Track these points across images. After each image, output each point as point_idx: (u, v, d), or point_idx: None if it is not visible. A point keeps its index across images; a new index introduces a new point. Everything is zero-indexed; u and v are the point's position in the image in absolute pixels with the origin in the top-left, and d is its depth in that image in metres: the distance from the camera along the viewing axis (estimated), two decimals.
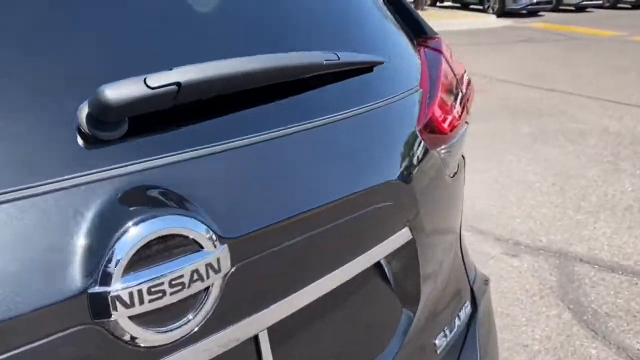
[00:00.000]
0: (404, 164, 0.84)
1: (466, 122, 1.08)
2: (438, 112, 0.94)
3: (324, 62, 0.68)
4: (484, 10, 15.06)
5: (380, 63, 0.83)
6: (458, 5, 16.50)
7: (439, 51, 1.05)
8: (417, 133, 0.89)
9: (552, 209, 3.36)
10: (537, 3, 14.91)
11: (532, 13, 15.08)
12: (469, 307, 1.07)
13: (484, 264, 2.74)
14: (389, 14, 1.02)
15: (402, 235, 0.83)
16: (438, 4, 17.17)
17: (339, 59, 0.70)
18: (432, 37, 1.10)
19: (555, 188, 3.68)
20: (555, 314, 2.36)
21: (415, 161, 0.87)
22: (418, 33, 1.08)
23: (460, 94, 1.04)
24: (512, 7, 14.60)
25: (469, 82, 1.10)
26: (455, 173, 1.02)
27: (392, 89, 0.87)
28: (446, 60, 1.04)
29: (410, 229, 0.84)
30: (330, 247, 0.73)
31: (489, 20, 13.51)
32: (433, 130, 0.93)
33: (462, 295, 1.07)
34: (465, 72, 1.11)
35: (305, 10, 0.82)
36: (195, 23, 0.66)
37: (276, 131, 0.65)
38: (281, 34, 0.76)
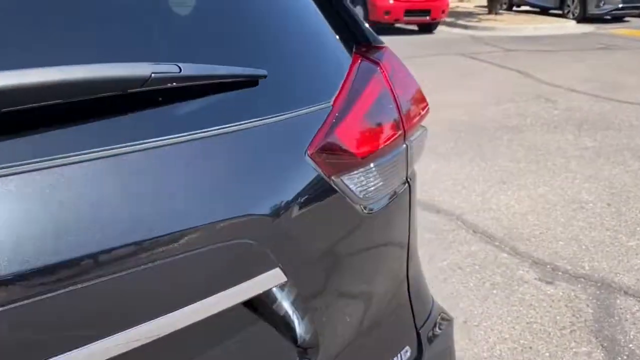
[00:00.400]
0: (277, 194, 0.73)
1: (404, 144, 0.95)
2: (350, 133, 0.83)
3: (151, 75, 0.59)
4: (563, 15, 14.28)
5: (260, 77, 0.73)
6: (536, 10, 15.79)
7: (378, 63, 0.93)
8: (307, 158, 0.78)
9: (603, 233, 3.08)
10: (623, 8, 13.93)
11: (616, 19, 14.15)
12: (409, 352, 0.94)
13: (514, 290, 2.54)
14: (318, 19, 0.91)
15: (273, 277, 0.73)
16: (514, 8, 16.49)
17: (180, 71, 0.61)
18: (376, 46, 0.98)
19: (610, 210, 3.38)
20: (585, 352, 2.13)
21: (296, 191, 0.76)
22: (360, 41, 0.97)
23: (395, 113, 0.91)
24: (594, 12, 13.74)
25: (418, 100, 0.97)
26: (384, 204, 0.89)
27: (282, 106, 0.77)
28: (385, 74, 0.92)
29: (284, 270, 0.74)
30: (163, 288, 0.64)
31: (568, 26, 12.81)
32: (337, 154, 0.81)
33: (400, 338, 0.94)
34: (416, 87, 0.98)
35: (183, 12, 0.73)
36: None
37: (83, 154, 0.57)
38: (138, 40, 0.68)
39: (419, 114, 0.98)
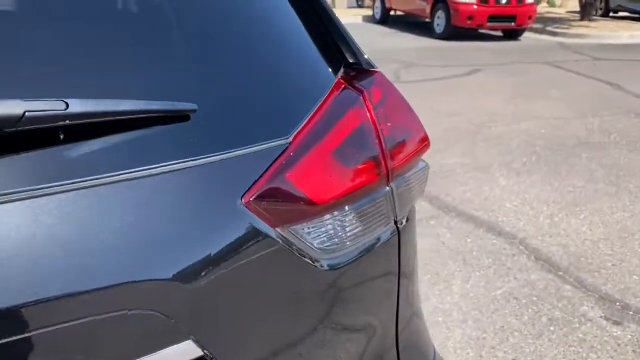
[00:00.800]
0: (195, 253, 0.63)
1: (388, 186, 0.82)
2: (309, 174, 0.71)
3: (24, 114, 0.51)
4: None
5: (187, 111, 0.63)
6: (636, 15, 14.70)
7: (361, 91, 0.81)
8: (241, 207, 0.67)
9: None
10: None
11: None
12: None
13: (574, 328, 2.30)
14: (295, 36, 0.81)
15: (184, 351, 0.63)
16: (611, 14, 15.44)
17: (66, 107, 0.53)
18: (367, 70, 0.86)
19: None
20: None
21: (221, 248, 0.65)
22: (350, 64, 0.85)
23: (375, 151, 0.79)
24: None
25: (413, 134, 0.84)
26: (362, 254, 0.76)
27: (220, 144, 0.67)
28: (368, 104, 0.80)
29: (199, 341, 0.64)
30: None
31: None
32: (286, 201, 0.70)
33: None
34: (413, 119, 0.85)
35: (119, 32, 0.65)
36: None
37: None
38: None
39: (414, 150, 0.85)
